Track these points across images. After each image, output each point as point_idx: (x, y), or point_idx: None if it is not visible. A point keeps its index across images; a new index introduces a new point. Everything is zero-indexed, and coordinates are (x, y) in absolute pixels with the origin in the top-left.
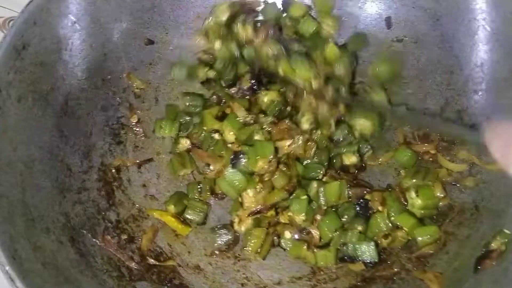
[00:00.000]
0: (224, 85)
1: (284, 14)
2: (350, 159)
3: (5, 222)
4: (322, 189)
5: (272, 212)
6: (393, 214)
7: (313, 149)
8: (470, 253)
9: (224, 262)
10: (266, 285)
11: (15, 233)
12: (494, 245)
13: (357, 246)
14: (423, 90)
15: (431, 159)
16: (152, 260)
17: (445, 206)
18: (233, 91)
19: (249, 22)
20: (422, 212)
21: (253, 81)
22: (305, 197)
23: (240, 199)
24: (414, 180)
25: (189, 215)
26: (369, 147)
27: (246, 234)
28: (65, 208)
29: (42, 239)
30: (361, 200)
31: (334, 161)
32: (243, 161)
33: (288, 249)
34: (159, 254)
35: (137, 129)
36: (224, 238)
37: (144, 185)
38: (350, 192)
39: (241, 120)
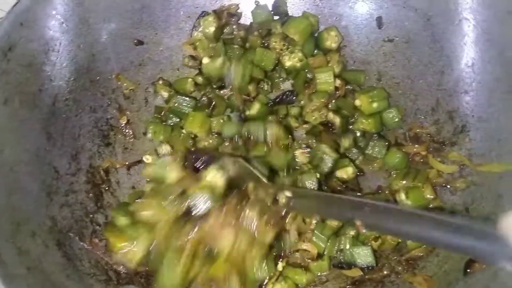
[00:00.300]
0: (214, 86)
1: (276, 17)
2: (348, 172)
3: None
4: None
5: None
6: None
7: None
8: (460, 256)
9: None
10: None
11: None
12: None
13: (353, 251)
14: (414, 90)
15: (421, 160)
16: None
17: (436, 208)
18: (223, 92)
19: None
20: None
21: None
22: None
23: None
24: (404, 182)
25: None
26: (356, 150)
27: None
28: (52, 211)
29: (27, 243)
30: None
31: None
32: None
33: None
34: None
35: (127, 131)
36: None
37: (133, 187)
38: None
39: None
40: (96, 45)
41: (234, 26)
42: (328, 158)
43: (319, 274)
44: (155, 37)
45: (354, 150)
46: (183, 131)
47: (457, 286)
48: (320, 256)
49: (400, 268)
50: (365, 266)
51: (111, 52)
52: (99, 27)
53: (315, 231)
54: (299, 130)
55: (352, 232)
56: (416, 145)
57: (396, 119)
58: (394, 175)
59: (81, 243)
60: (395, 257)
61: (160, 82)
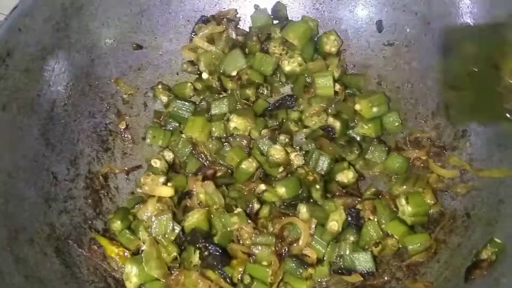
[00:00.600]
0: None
1: (275, 22)
2: (348, 176)
3: None
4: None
5: None
6: (383, 221)
7: None
8: (461, 262)
9: None
10: None
11: None
12: (484, 254)
13: (353, 257)
14: (415, 94)
15: (422, 165)
16: None
17: (436, 213)
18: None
19: None
20: (413, 219)
21: None
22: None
23: None
24: (404, 187)
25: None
26: (356, 152)
27: None
28: (50, 218)
29: (25, 251)
30: (352, 210)
31: (331, 185)
32: None
33: None
34: None
35: (125, 136)
36: None
37: (132, 193)
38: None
39: None
40: (95, 50)
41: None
42: (324, 159)
43: (319, 279)
44: (154, 41)
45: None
46: (183, 135)
47: None
48: (319, 261)
49: (400, 274)
50: (365, 272)
51: (110, 57)
52: (98, 31)
53: (315, 236)
54: (298, 135)
55: (352, 238)
56: (417, 150)
57: (396, 123)
58: (395, 180)
59: (80, 250)
60: (396, 263)
61: (159, 86)
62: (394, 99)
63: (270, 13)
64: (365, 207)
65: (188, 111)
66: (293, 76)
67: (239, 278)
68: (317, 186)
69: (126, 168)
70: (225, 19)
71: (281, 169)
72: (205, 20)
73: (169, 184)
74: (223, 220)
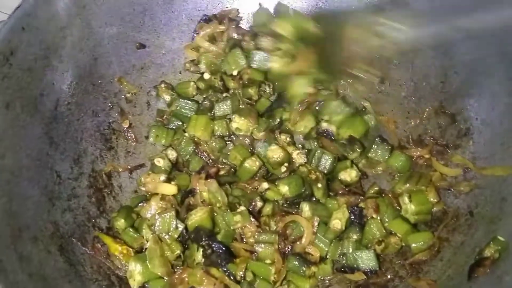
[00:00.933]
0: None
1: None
2: (351, 175)
3: None
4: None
5: None
6: (386, 220)
7: None
8: (464, 260)
9: None
10: None
11: (0, 243)
12: (487, 252)
13: (356, 255)
14: (418, 93)
15: (425, 163)
16: None
17: (439, 212)
18: (225, 95)
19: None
20: (416, 217)
21: None
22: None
23: None
24: (407, 185)
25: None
26: (358, 150)
27: None
28: (54, 216)
29: (29, 249)
30: (355, 208)
31: (334, 184)
32: None
33: None
34: None
35: (129, 134)
36: None
37: (136, 191)
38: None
39: None
40: (98, 49)
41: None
42: (327, 158)
43: (322, 278)
44: (157, 40)
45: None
46: (186, 134)
47: None
48: (322, 259)
49: (404, 272)
50: (368, 270)
51: (113, 56)
52: (101, 30)
53: (318, 234)
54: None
55: (355, 236)
56: (420, 148)
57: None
58: (398, 179)
59: (84, 248)
60: (399, 261)
61: (162, 85)
62: (397, 98)
63: (272, 12)
64: (368, 206)
65: (191, 110)
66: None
67: (242, 275)
68: (319, 185)
69: (129, 167)
70: (226, 19)
71: (284, 168)
72: (207, 20)
73: (172, 182)
74: (226, 218)
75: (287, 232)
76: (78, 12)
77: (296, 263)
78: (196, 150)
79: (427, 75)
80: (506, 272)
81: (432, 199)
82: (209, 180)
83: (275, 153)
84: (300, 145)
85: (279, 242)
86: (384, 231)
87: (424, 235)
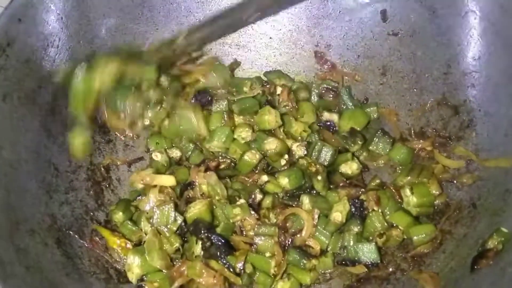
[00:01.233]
0: None
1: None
2: (352, 167)
3: None
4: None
5: None
6: (388, 212)
7: None
8: (467, 252)
9: None
10: None
11: None
12: (490, 244)
13: (357, 248)
14: (420, 84)
15: (427, 155)
16: None
17: (442, 204)
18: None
19: None
20: (418, 210)
21: None
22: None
23: None
24: (409, 178)
25: None
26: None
27: None
28: (52, 209)
29: (26, 242)
30: (356, 200)
31: (335, 176)
32: None
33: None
34: None
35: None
36: None
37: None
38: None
39: None
40: (96, 41)
41: None
42: (327, 150)
43: (322, 271)
44: (155, 33)
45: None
46: None
47: (464, 284)
48: (323, 252)
49: (405, 265)
50: (369, 263)
51: (111, 48)
52: (99, 22)
53: (318, 227)
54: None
55: (356, 229)
56: (422, 140)
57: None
58: (399, 171)
59: (81, 241)
60: (401, 254)
61: None
62: (399, 89)
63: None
64: (369, 198)
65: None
66: None
67: (241, 268)
68: (319, 177)
69: (128, 160)
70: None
71: (283, 161)
72: None
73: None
74: (225, 211)
75: (287, 225)
76: (76, 4)
77: (297, 256)
78: (197, 144)
79: (429, 66)
80: (510, 264)
81: (434, 192)
82: (208, 173)
83: (272, 145)
84: (300, 137)
85: (279, 235)
86: (385, 223)
87: (426, 228)
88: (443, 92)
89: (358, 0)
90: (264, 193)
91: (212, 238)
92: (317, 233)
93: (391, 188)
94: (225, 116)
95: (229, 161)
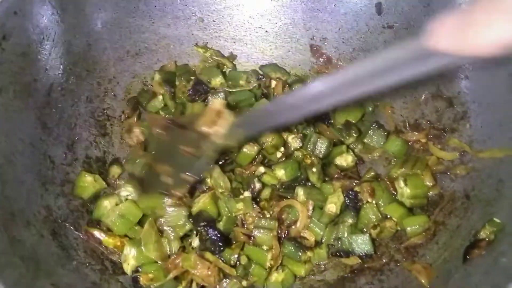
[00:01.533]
0: None
1: None
2: (347, 160)
3: None
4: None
5: None
6: (382, 204)
7: None
8: (460, 243)
9: None
10: None
11: None
12: (483, 234)
13: (351, 239)
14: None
15: (422, 147)
16: None
17: (436, 196)
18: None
19: None
20: (412, 201)
21: None
22: None
23: None
24: (402, 169)
25: None
26: (354, 135)
27: None
28: (47, 201)
29: (21, 233)
30: (350, 192)
31: (330, 168)
32: None
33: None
34: None
35: (124, 121)
36: None
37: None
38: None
39: None
40: (92, 34)
41: None
42: (322, 142)
43: (317, 263)
44: (151, 26)
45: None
46: None
47: (457, 274)
48: (318, 244)
49: (399, 256)
50: (363, 254)
51: (107, 42)
52: (95, 16)
53: (313, 219)
54: None
55: (350, 220)
56: (416, 133)
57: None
58: (394, 163)
59: (77, 233)
60: (394, 245)
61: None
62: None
63: None
64: (364, 190)
65: None
66: None
67: (236, 259)
68: (314, 169)
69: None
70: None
71: (279, 154)
72: None
73: None
74: (228, 205)
75: (283, 216)
76: None
77: (292, 248)
78: None
79: None
80: (502, 253)
81: (427, 183)
82: (211, 166)
83: (268, 137)
84: (295, 129)
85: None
86: (379, 215)
87: (419, 219)
88: (437, 84)
89: None
90: (263, 183)
91: (209, 231)
92: (311, 225)
93: (386, 180)
94: None
95: (228, 155)
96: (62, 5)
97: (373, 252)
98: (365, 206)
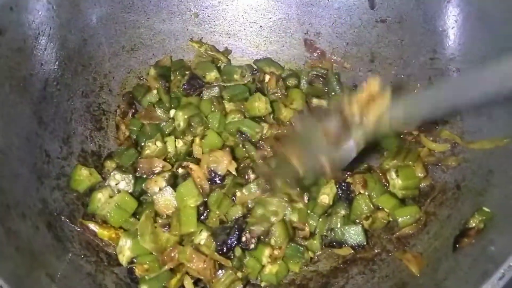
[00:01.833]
0: None
1: None
2: None
3: None
4: None
5: None
6: (374, 195)
7: None
8: (450, 233)
9: None
10: None
11: None
12: (472, 222)
13: (344, 230)
14: (406, 70)
15: (414, 140)
16: None
17: (427, 187)
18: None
19: None
20: (403, 192)
21: None
22: None
23: None
24: (394, 161)
25: None
26: None
27: None
28: (43, 194)
29: (17, 224)
30: (343, 183)
31: None
32: None
33: None
34: None
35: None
36: None
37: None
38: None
39: None
40: (88, 30)
41: None
42: None
43: (311, 254)
44: (146, 22)
45: None
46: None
47: (447, 263)
48: (312, 235)
49: (391, 246)
50: (356, 244)
51: (103, 37)
52: (90, 11)
53: (308, 210)
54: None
55: (343, 211)
56: None
57: None
58: (386, 155)
59: (72, 226)
60: (386, 236)
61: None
62: (387, 76)
63: None
64: (356, 181)
65: None
66: None
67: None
68: None
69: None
70: None
71: None
72: None
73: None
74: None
75: None
76: None
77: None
78: None
79: (416, 52)
80: (491, 242)
81: (419, 174)
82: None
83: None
84: (289, 123)
85: None
86: (371, 206)
87: (411, 209)
88: (429, 77)
89: None
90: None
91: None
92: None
93: (378, 171)
94: (215, 102)
95: None
96: (57, 1)
97: (365, 243)
98: (357, 197)
